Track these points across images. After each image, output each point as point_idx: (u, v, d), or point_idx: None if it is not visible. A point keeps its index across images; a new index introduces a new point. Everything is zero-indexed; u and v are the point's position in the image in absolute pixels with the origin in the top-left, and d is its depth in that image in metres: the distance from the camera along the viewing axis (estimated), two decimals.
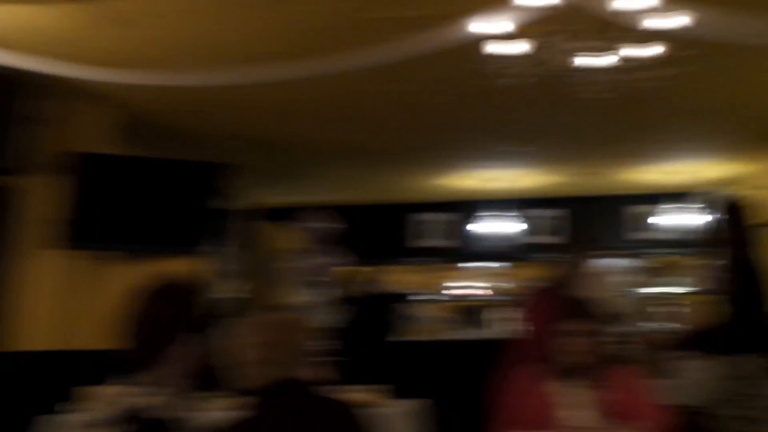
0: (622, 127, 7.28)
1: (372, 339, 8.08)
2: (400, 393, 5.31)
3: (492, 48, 4.09)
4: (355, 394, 4.45)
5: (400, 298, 10.58)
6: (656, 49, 4.13)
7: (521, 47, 4.05)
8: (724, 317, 4.05)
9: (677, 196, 9.44)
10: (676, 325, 7.39)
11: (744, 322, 3.94)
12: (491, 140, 7.55)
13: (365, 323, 8.02)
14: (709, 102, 6.61)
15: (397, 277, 14.81)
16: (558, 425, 3.08)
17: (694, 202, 8.57)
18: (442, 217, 10.53)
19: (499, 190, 9.54)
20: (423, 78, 5.67)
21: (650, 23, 3.97)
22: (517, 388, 3.26)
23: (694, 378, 6.73)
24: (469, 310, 11.78)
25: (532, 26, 4.06)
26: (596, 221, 10.29)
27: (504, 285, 14.84)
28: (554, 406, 3.13)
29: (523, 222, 9.96)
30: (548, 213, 10.32)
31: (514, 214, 9.85)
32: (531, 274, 10.14)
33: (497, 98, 5.94)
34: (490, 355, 8.17)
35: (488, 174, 9.09)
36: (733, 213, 4.18)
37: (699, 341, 4.10)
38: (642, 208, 10.38)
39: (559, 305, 3.89)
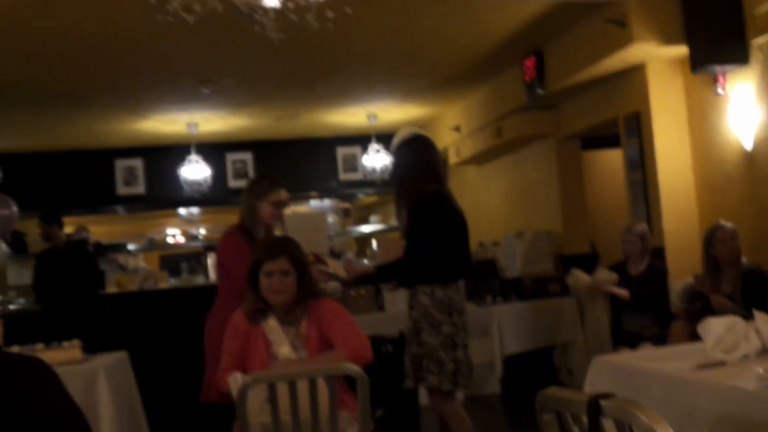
0: (307, 70, 7.44)
1: (78, 292, 7.76)
2: (109, 346, 5.21)
3: None
4: (52, 352, 4.29)
5: (108, 248, 10.23)
6: None
7: None
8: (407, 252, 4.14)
9: (378, 138, 9.85)
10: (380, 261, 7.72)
11: (417, 256, 4.05)
12: (175, 80, 7.38)
13: (69, 276, 7.68)
14: (385, 47, 6.91)
15: (104, 227, 14.27)
16: (268, 361, 3.13)
17: (390, 143, 8.96)
18: (139, 163, 10.19)
19: (202, 134, 9.45)
20: (91, 9, 5.40)
21: None
22: (230, 330, 3.28)
23: (397, 309, 7.17)
24: (180, 257, 11.66)
25: None
26: (299, 163, 10.54)
27: (203, 231, 14.76)
28: (266, 343, 3.17)
29: (212, 166, 9.83)
30: (244, 156, 10.39)
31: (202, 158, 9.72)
32: (228, 219, 10.25)
33: (173, 35, 5.83)
34: (203, 301, 8.20)
35: (182, 117, 8.90)
36: (423, 150, 4.26)
37: (396, 274, 4.20)
38: (344, 150, 10.77)
39: (254, 246, 3.95)
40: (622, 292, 5.80)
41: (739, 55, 5.74)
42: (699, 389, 2.29)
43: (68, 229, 8.28)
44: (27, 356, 2.16)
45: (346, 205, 15.11)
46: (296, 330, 3.24)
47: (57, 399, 2.03)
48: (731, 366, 2.39)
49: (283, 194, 4.14)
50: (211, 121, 9.15)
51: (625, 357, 2.94)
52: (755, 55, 5.72)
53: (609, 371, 2.74)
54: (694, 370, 2.41)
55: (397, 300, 7.45)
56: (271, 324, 3.23)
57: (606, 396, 1.64)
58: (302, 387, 2.61)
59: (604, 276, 5.98)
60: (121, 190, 10.14)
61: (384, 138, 9.50)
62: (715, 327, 2.52)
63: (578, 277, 6.25)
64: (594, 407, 1.65)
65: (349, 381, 3.05)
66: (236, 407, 2.61)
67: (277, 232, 4.25)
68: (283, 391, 2.62)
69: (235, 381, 2.91)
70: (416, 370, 4.04)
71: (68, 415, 2.03)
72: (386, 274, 4.20)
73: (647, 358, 2.80)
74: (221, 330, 3.83)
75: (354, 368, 2.69)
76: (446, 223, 4.10)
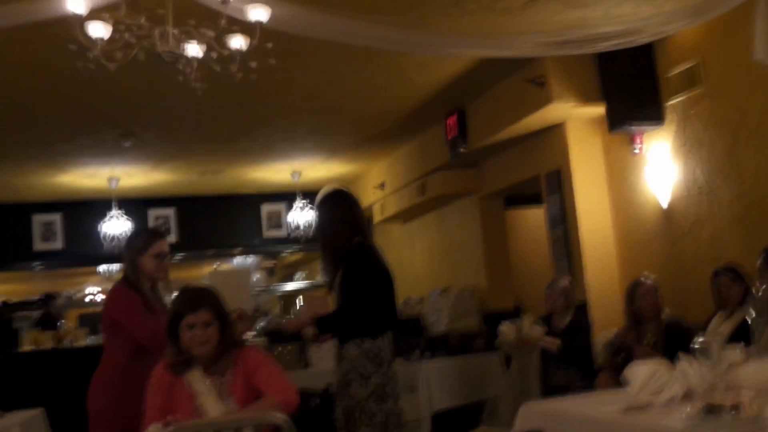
0: (231, 123, 7.43)
1: None
2: (24, 404, 5.00)
3: (78, 28, 3.91)
4: None
5: (25, 305, 9.90)
6: (241, 41, 4.21)
7: (103, 30, 3.91)
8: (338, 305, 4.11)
9: (303, 195, 9.85)
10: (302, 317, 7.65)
11: (352, 308, 4.03)
12: (95, 133, 7.26)
13: None
14: (310, 102, 6.94)
15: (19, 285, 13.79)
16: (193, 414, 3.02)
17: (315, 200, 8.96)
18: (58, 218, 9.91)
19: (123, 188, 9.29)
20: (7, 54, 5.28)
21: (234, 13, 4.06)
22: (153, 383, 3.17)
23: (323, 365, 7.08)
24: (100, 315, 11.34)
25: (115, 8, 3.96)
26: (223, 220, 10.43)
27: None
28: (190, 396, 3.06)
29: (134, 222, 9.63)
30: (166, 212, 10.24)
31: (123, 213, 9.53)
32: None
33: (94, 84, 5.75)
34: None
35: (103, 171, 8.73)
36: (346, 205, 4.26)
37: (332, 326, 4.13)
38: (269, 207, 10.72)
39: (141, 297, 3.88)
40: (552, 344, 5.85)
41: (654, 115, 5.97)
42: (628, 431, 2.30)
43: None
44: None
45: (271, 263, 14.99)
46: (222, 379, 3.16)
47: None
48: (658, 408, 2.42)
49: (164, 245, 4.10)
50: (132, 176, 9.00)
51: (553, 402, 2.94)
52: (670, 116, 5.94)
53: (537, 416, 2.74)
54: (622, 412, 2.42)
55: (323, 356, 7.36)
56: (196, 375, 3.15)
57: None
58: None
59: (533, 330, 6.03)
60: (38, 245, 9.83)
61: (308, 195, 9.50)
62: (640, 371, 2.54)
63: (505, 331, 6.28)
64: None
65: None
66: None
67: (162, 286, 4.18)
68: None
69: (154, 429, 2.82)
70: (347, 423, 3.98)
71: None
72: (324, 326, 4.13)
73: (575, 403, 2.81)
74: (108, 392, 3.74)
75: (280, 416, 2.62)
76: (376, 276, 4.11)
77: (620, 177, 6.55)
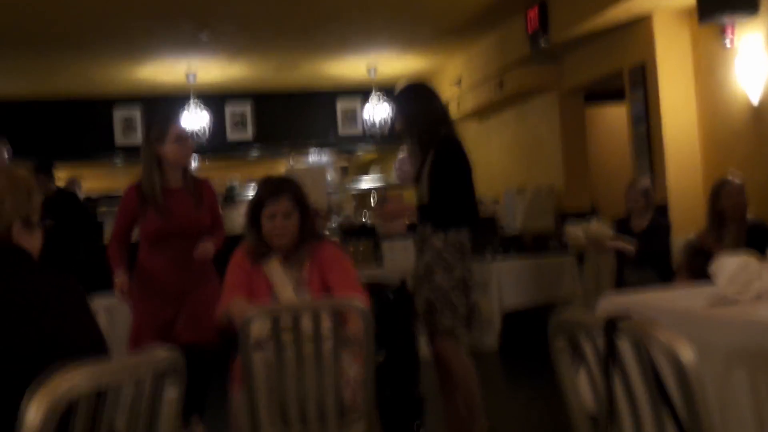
0: (306, 15, 7.32)
1: (68, 241, 7.71)
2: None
3: None
4: None
5: (100, 201, 10.14)
6: None
7: None
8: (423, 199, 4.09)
9: (378, 91, 9.75)
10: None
11: (443, 198, 4.01)
12: (173, 25, 7.25)
13: (58, 225, 7.62)
14: None
15: (100, 181, 14.15)
16: (267, 300, 3.08)
17: (390, 95, 8.86)
18: (137, 112, 10.02)
19: (201, 83, 9.34)
20: None
21: None
22: (233, 267, 3.22)
23: (396, 263, 7.15)
24: None
25: None
26: (298, 116, 10.42)
27: None
28: (268, 285, 3.11)
29: (211, 117, 9.71)
30: (243, 107, 10.27)
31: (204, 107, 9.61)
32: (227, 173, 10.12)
33: None
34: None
35: (181, 65, 8.77)
36: (432, 96, 4.19)
37: (430, 215, 4.12)
38: (344, 104, 10.66)
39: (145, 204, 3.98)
40: (628, 247, 5.75)
41: (748, 4, 5.63)
42: (712, 325, 2.24)
43: (59, 183, 8.18)
44: (59, 272, 2.12)
45: (344, 163, 15.02)
46: (299, 273, 3.19)
47: (81, 316, 1.99)
48: (746, 302, 2.35)
49: (181, 128, 4.10)
50: (210, 70, 9.02)
51: (634, 296, 2.89)
52: (765, 4, 5.61)
53: (618, 309, 2.69)
54: (707, 307, 2.36)
55: (395, 254, 7.42)
56: (274, 266, 3.17)
57: (623, 318, 1.59)
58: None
59: (601, 229, 5.92)
60: (120, 140, 10.01)
61: (384, 91, 9.39)
62: (728, 265, 2.46)
63: (571, 232, 6.17)
64: (611, 329, 1.60)
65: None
66: (239, 338, 2.56)
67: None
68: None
69: (238, 302, 2.89)
70: (428, 314, 3.99)
71: (90, 333, 2.00)
72: (421, 215, 4.12)
73: (657, 297, 2.75)
74: (134, 281, 4.05)
75: (360, 303, 2.64)
76: (464, 168, 4.07)
77: (708, 72, 6.28)
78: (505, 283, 7.20)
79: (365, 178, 12.27)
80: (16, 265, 1.97)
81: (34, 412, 1.33)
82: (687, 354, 1.43)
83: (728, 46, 5.94)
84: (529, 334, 7.31)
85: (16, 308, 1.88)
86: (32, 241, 2.06)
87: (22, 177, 2.08)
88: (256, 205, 3.20)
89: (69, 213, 7.77)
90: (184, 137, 4.02)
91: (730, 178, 4.93)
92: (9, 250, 1.98)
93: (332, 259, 3.23)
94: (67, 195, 8.25)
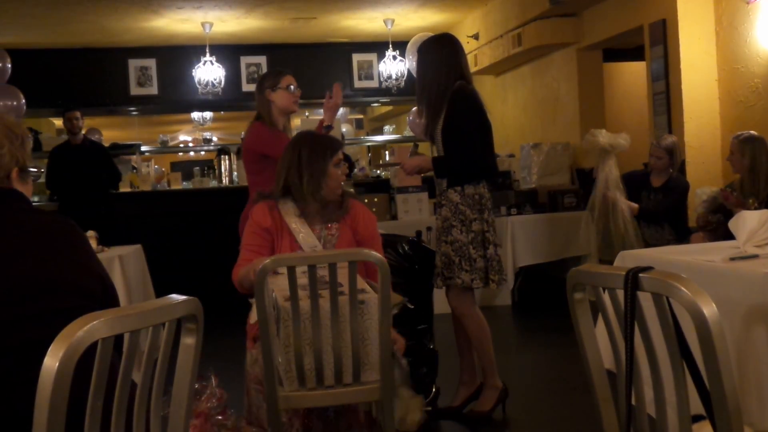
0: None
1: (92, 188, 7.77)
2: (123, 242, 5.35)
3: None
4: None
5: (122, 148, 10.15)
6: None
7: None
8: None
9: (395, 45, 9.67)
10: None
11: (460, 151, 3.98)
12: None
13: (84, 172, 7.67)
14: None
15: (116, 131, 14.16)
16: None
17: (407, 49, 8.77)
18: (152, 63, 9.96)
19: (216, 34, 9.27)
20: None
21: None
22: (251, 227, 3.17)
23: (410, 217, 7.16)
24: (192, 163, 11.60)
25: None
26: (313, 69, 10.34)
27: (215, 138, 14.59)
28: (291, 241, 3.09)
29: (226, 69, 9.65)
30: (258, 60, 10.19)
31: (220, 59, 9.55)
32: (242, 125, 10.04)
33: None
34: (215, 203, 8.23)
35: (197, 15, 8.68)
36: (451, 48, 4.13)
37: (446, 168, 4.09)
38: (360, 57, 10.58)
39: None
40: (633, 204, 5.75)
41: None
42: (732, 279, 2.23)
43: None
44: (58, 215, 2.17)
45: (359, 116, 14.94)
46: (327, 231, 3.16)
47: (82, 258, 2.02)
48: (765, 258, 2.33)
49: (292, 78, 4.30)
50: (226, 21, 8.94)
51: (652, 251, 2.87)
52: None
53: (635, 263, 2.68)
54: (726, 261, 2.34)
55: (409, 208, 7.42)
56: (297, 222, 3.13)
57: (644, 269, 1.58)
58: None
59: (618, 138, 5.97)
60: (135, 90, 9.97)
61: (401, 45, 9.30)
62: (748, 221, 2.45)
63: (589, 137, 6.18)
64: (632, 281, 1.59)
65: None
66: (255, 289, 2.56)
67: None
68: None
69: (260, 261, 2.90)
70: (446, 268, 4.00)
71: (92, 274, 2.02)
72: (439, 168, 4.09)
73: (676, 251, 2.74)
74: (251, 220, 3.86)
75: (375, 255, 2.63)
76: (481, 120, 4.04)
77: (730, 28, 6.17)
78: (519, 239, 7.19)
79: (381, 132, 12.23)
80: (20, 209, 2.01)
81: (51, 357, 1.34)
82: (710, 308, 1.42)
83: (750, 2, 5.83)
84: (543, 291, 7.33)
85: (21, 248, 1.92)
86: (27, 188, 2.08)
87: (16, 124, 2.09)
88: (328, 151, 3.14)
89: (97, 158, 7.86)
90: (294, 86, 4.27)
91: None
92: (10, 192, 2.01)
93: (365, 220, 3.24)
94: (94, 142, 8.34)
